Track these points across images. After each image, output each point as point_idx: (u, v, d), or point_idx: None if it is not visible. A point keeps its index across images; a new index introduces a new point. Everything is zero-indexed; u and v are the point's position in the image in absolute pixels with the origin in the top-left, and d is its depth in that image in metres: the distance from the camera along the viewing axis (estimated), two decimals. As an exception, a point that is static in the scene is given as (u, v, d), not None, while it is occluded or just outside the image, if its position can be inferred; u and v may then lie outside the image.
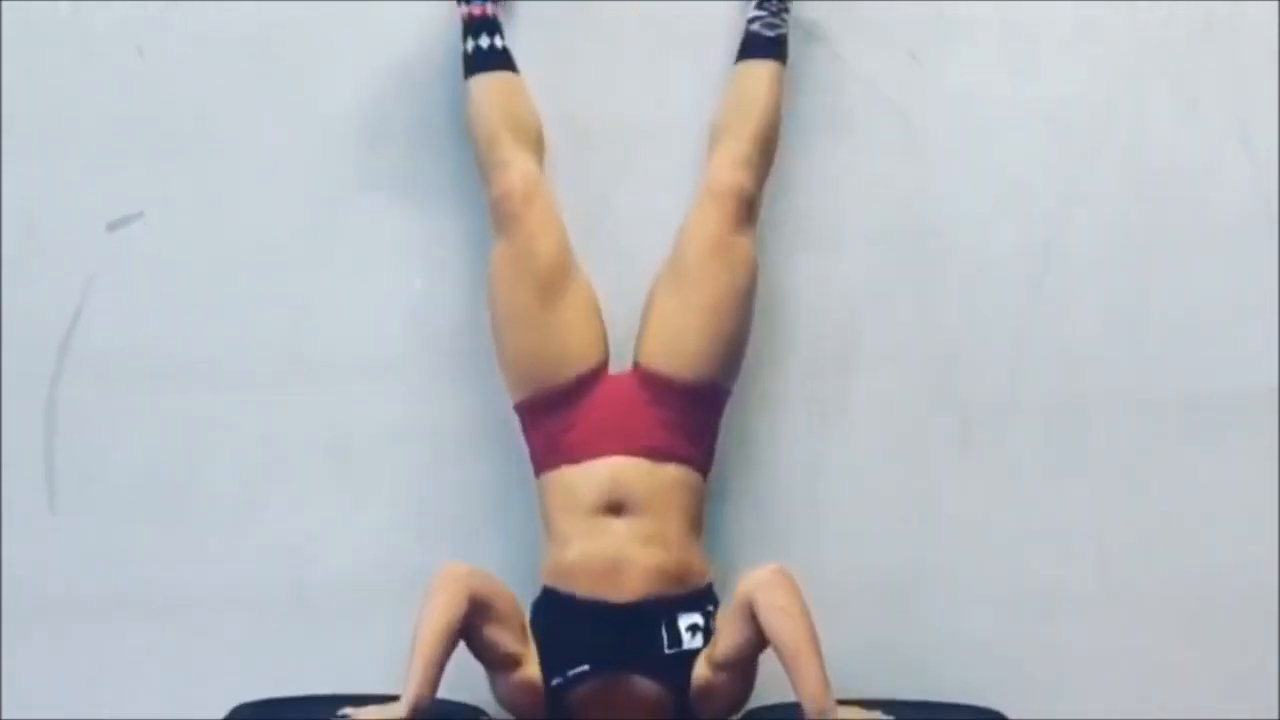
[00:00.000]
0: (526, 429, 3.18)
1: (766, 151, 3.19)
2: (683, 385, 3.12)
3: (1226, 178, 3.34)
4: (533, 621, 3.09)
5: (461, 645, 2.96)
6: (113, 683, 3.31)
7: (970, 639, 3.31)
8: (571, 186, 3.25)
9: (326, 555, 3.32)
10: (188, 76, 3.33)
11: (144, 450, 3.32)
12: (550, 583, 3.10)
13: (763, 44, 3.22)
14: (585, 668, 3.05)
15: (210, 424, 3.32)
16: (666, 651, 3.05)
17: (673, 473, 3.10)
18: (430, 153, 3.31)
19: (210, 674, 3.30)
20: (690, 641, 3.06)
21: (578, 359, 3.14)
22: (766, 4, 3.22)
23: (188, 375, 3.31)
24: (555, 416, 3.12)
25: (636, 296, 3.19)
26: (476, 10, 3.20)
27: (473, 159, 3.19)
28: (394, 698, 2.94)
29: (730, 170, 3.16)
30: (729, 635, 3.01)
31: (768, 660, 2.97)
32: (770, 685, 3.09)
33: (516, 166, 3.15)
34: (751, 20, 3.22)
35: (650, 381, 3.13)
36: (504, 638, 3.02)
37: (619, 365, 3.18)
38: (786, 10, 3.23)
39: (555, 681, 3.05)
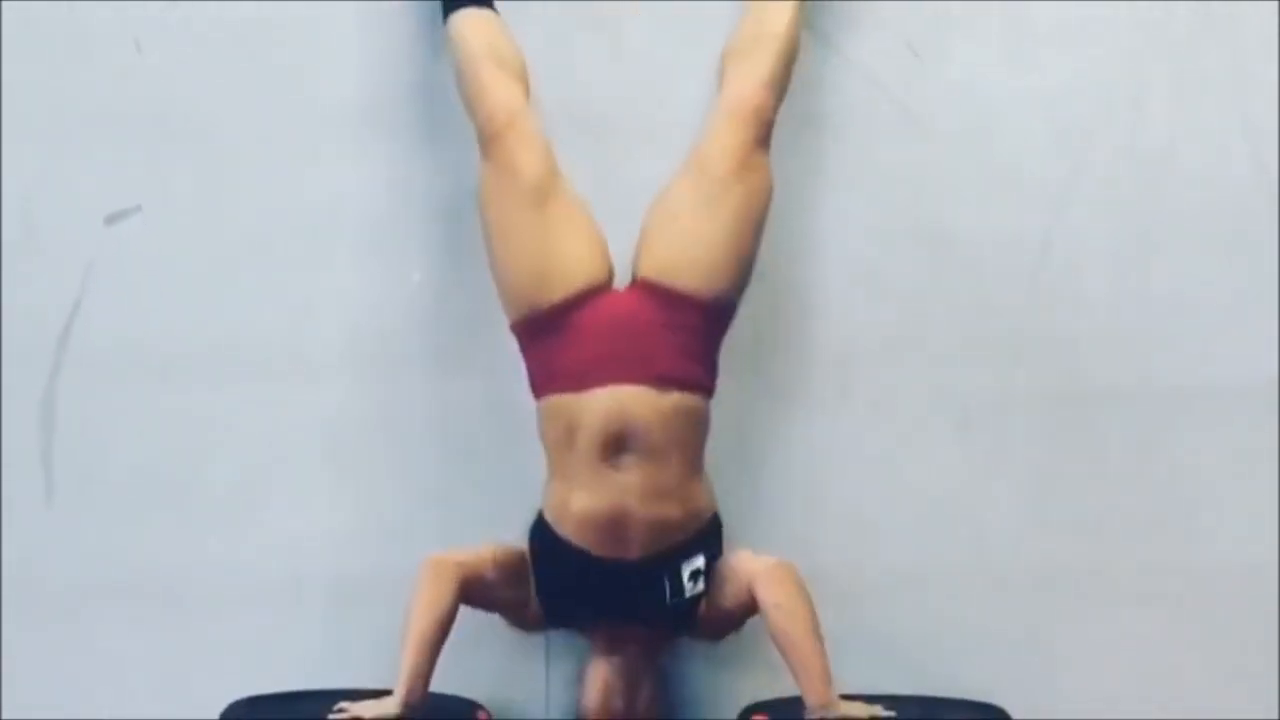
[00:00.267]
0: (524, 350, 3.12)
1: (785, 79, 3.16)
2: (700, 301, 3.06)
3: (1227, 168, 3.33)
4: (531, 548, 3.08)
5: (458, 632, 2.98)
6: (111, 677, 3.31)
7: (970, 633, 3.30)
8: (572, 179, 3.23)
9: (324, 549, 3.31)
10: (185, 71, 3.32)
11: (142, 444, 3.31)
12: (554, 524, 3.06)
13: None
14: (585, 617, 3.10)
15: (208, 418, 3.31)
16: (668, 601, 3.05)
17: (678, 401, 3.03)
18: (429, 148, 3.30)
19: (208, 668, 3.29)
20: (692, 589, 3.05)
21: (572, 274, 3.07)
22: None
23: (186, 369, 3.31)
24: (552, 337, 3.06)
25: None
26: None
27: (473, 158, 3.15)
28: (389, 692, 2.96)
29: (754, 89, 3.12)
30: (726, 597, 3.04)
31: (771, 656, 2.98)
32: (771, 681, 3.10)
33: (498, 91, 3.11)
34: None
35: (664, 298, 3.06)
36: (504, 594, 3.07)
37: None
38: None
39: (554, 620, 3.10)
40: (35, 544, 3.31)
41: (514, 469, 3.22)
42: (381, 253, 3.32)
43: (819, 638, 2.94)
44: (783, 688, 3.02)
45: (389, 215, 3.32)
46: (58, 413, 3.31)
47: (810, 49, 3.27)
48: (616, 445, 3.01)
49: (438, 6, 3.22)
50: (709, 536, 3.09)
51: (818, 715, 2.92)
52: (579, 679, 3.17)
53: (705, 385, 3.08)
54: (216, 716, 3.10)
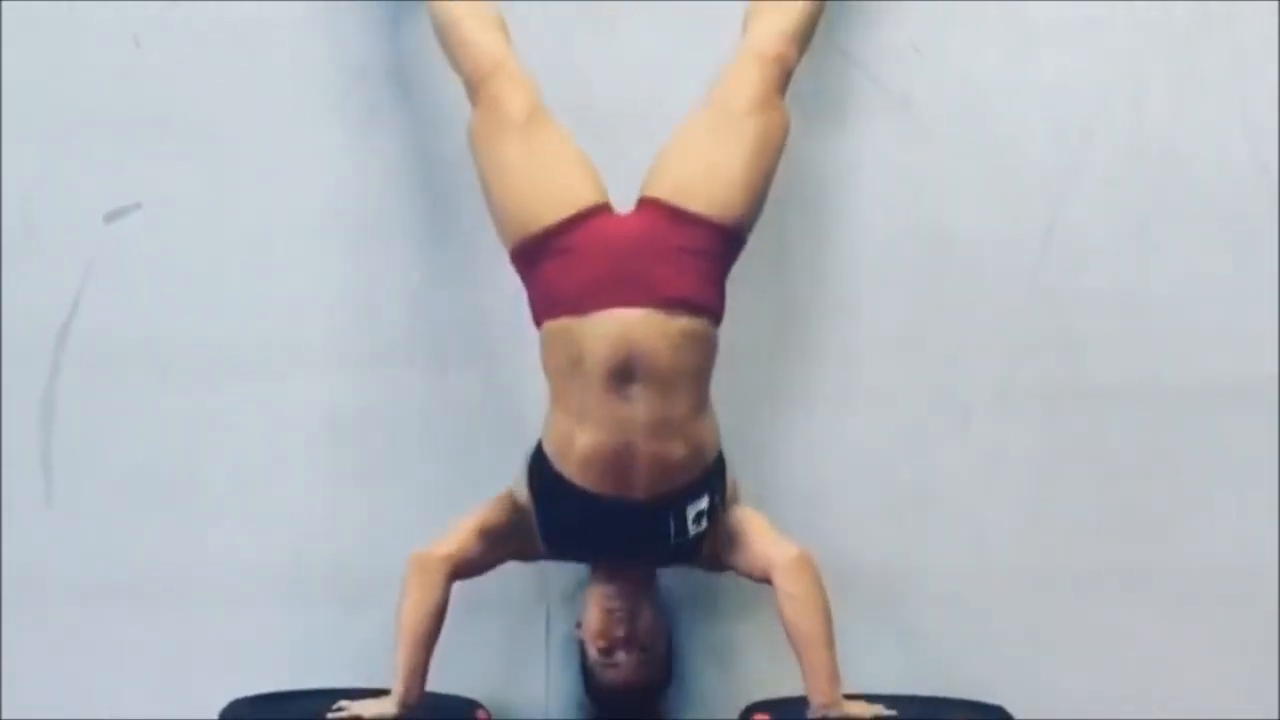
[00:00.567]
0: (526, 279, 3.06)
1: (808, 34, 3.16)
2: (711, 223, 3.01)
3: (1227, 166, 3.32)
4: (531, 483, 3.05)
5: (458, 632, 3.00)
6: (111, 674, 3.30)
7: (970, 631, 3.29)
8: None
9: (324, 546, 3.31)
10: (185, 68, 3.32)
11: (142, 444, 3.31)
12: (555, 460, 3.02)
13: None
14: (587, 556, 3.10)
15: (208, 416, 3.31)
16: (672, 542, 3.03)
17: (685, 326, 2.96)
18: (430, 146, 3.30)
19: (208, 664, 3.29)
20: (695, 530, 3.03)
21: (568, 197, 3.02)
22: None
23: (186, 367, 3.31)
24: (551, 261, 3.00)
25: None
26: None
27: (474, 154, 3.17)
28: (389, 691, 2.97)
29: (779, 38, 3.12)
30: (735, 560, 3.06)
31: (772, 656, 2.98)
32: (772, 680, 3.09)
33: (481, 40, 3.11)
34: None
35: (673, 218, 3.00)
36: (500, 554, 3.07)
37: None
38: None
39: (555, 554, 3.09)
40: (35, 544, 3.31)
41: (515, 465, 3.20)
42: (381, 251, 3.31)
43: (831, 636, 2.94)
44: (784, 688, 3.02)
45: (389, 214, 3.31)
46: (58, 412, 3.31)
47: (814, 46, 3.27)
48: (623, 374, 2.94)
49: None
50: (713, 476, 3.05)
51: (821, 714, 2.92)
52: (578, 611, 3.15)
53: (714, 311, 3.02)
54: (216, 716, 3.09)
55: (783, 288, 3.32)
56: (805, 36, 3.16)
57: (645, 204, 3.04)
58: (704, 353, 3.01)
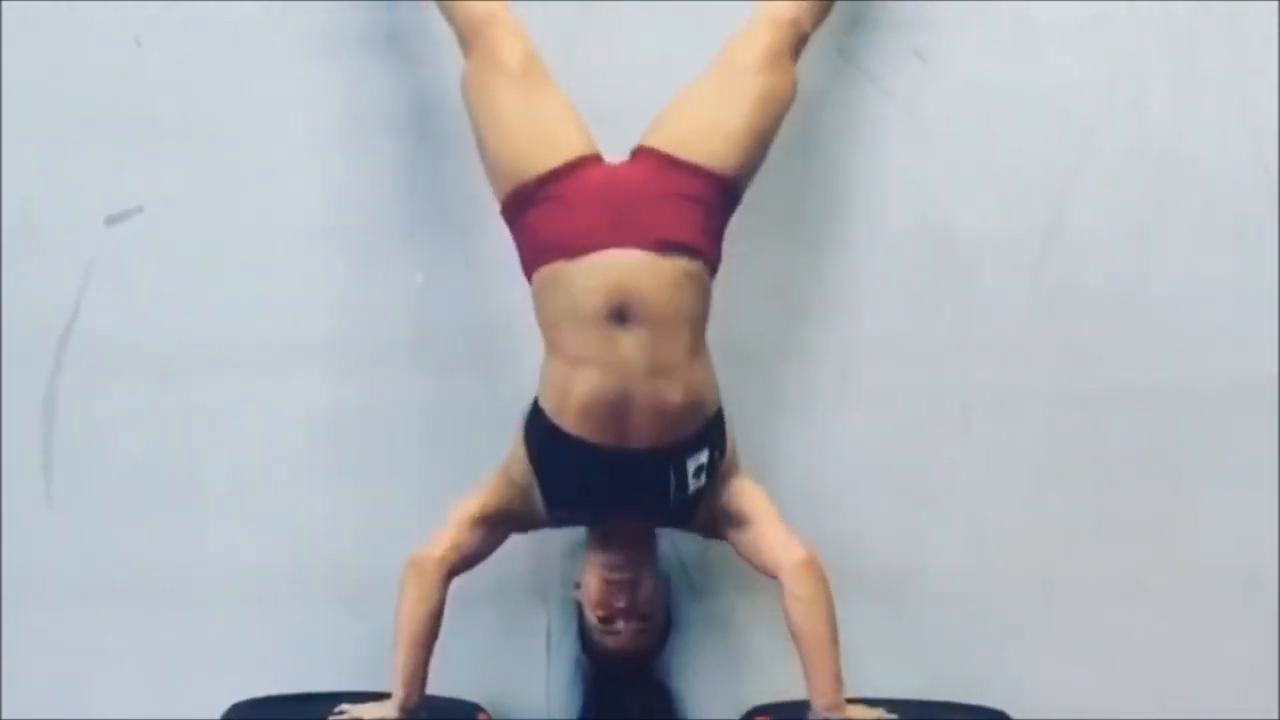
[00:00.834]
0: (516, 231, 3.03)
1: (825, 8, 3.16)
2: (706, 172, 2.99)
3: (1229, 167, 3.32)
4: (528, 445, 3.03)
5: (458, 633, 3.01)
6: (111, 674, 3.31)
7: (970, 632, 3.30)
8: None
9: (324, 547, 3.31)
10: (186, 69, 3.31)
11: (142, 444, 3.31)
12: (552, 415, 3.00)
13: None
14: (588, 512, 3.07)
15: (208, 416, 3.31)
16: (672, 496, 3.02)
17: (680, 267, 2.94)
18: (432, 146, 3.30)
19: (208, 664, 3.29)
20: (695, 483, 3.02)
21: (562, 145, 3.01)
22: None
23: (186, 367, 3.30)
24: (544, 207, 2.98)
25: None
26: None
27: (474, 160, 3.14)
28: (390, 694, 2.97)
29: (793, 6, 3.11)
30: (739, 545, 3.04)
31: (773, 659, 2.98)
32: (772, 683, 3.10)
33: None
34: None
35: (667, 165, 2.99)
36: (500, 535, 3.06)
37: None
38: None
39: (556, 512, 3.05)
40: (35, 544, 3.31)
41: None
42: (382, 252, 3.31)
43: (836, 640, 2.95)
44: (786, 691, 3.03)
45: (390, 215, 3.31)
46: (58, 412, 3.31)
47: (812, 49, 3.27)
48: (618, 316, 2.92)
49: (440, 8, 3.22)
50: (713, 430, 3.04)
51: (824, 716, 2.93)
52: (578, 580, 3.15)
53: (709, 257, 3.00)
54: (216, 716, 3.09)
55: (784, 288, 3.32)
56: (822, 8, 3.16)
57: (641, 153, 3.03)
58: (699, 296, 2.99)
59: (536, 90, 3.05)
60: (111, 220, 3.31)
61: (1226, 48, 3.34)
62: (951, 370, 3.33)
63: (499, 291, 3.22)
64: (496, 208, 3.07)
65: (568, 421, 2.98)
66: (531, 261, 3.01)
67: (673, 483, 3.00)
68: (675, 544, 3.25)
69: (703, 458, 3.01)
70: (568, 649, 3.27)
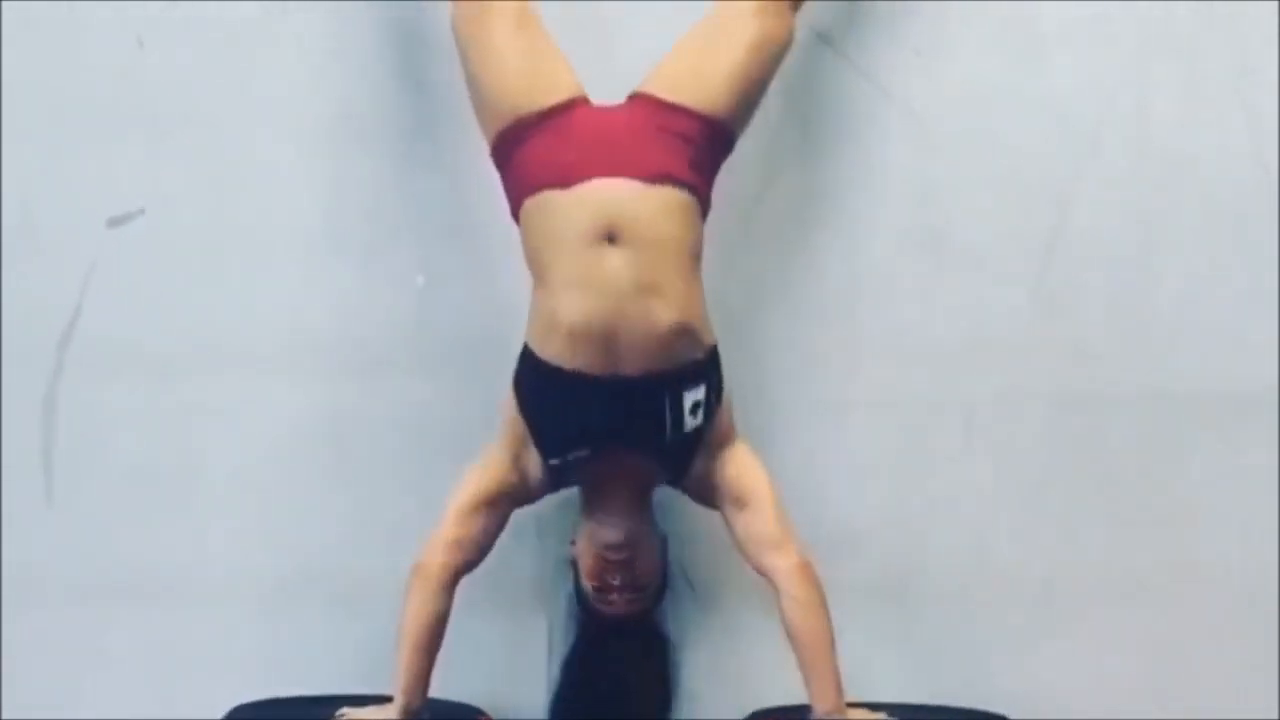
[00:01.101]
0: (507, 166, 3.03)
1: None
2: (696, 114, 2.99)
3: (1232, 171, 3.32)
4: (517, 389, 3.02)
5: (457, 634, 2.99)
6: (111, 674, 3.31)
7: (971, 636, 3.30)
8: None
9: (325, 547, 3.31)
10: (188, 70, 3.31)
11: (142, 445, 3.31)
12: (541, 351, 2.98)
13: None
14: (585, 452, 3.01)
15: (209, 419, 3.31)
16: (669, 434, 2.99)
17: (668, 194, 2.94)
18: (432, 147, 3.29)
19: (207, 664, 3.30)
20: (692, 423, 2.99)
21: (558, 85, 3.01)
22: None
23: (187, 368, 3.30)
24: (537, 141, 2.98)
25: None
26: None
27: (473, 160, 3.15)
28: (391, 698, 2.97)
29: None
30: (730, 514, 3.02)
31: (775, 663, 2.98)
32: (771, 686, 3.10)
33: None
34: None
35: (659, 107, 3.00)
36: (504, 514, 3.04)
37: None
38: None
39: (554, 462, 3.02)
40: (35, 544, 3.31)
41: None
42: (382, 253, 3.31)
43: (833, 644, 2.95)
44: (788, 695, 3.03)
45: (390, 217, 3.31)
46: (59, 412, 3.31)
47: (813, 51, 3.27)
48: (606, 237, 2.92)
49: (441, 8, 3.21)
50: (709, 368, 3.02)
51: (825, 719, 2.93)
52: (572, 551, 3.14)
53: (700, 192, 2.99)
54: (215, 717, 3.11)
55: (784, 288, 3.32)
56: None
57: (634, 98, 3.04)
58: (690, 225, 2.98)
59: (529, 29, 3.05)
60: (113, 222, 3.30)
61: (1229, 50, 3.33)
62: (952, 372, 3.33)
63: (499, 294, 3.22)
64: (496, 208, 3.07)
65: (556, 352, 2.96)
66: (519, 195, 3.00)
67: (669, 417, 2.98)
68: (676, 545, 3.24)
69: (699, 394, 2.99)
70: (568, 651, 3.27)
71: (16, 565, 3.30)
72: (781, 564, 2.98)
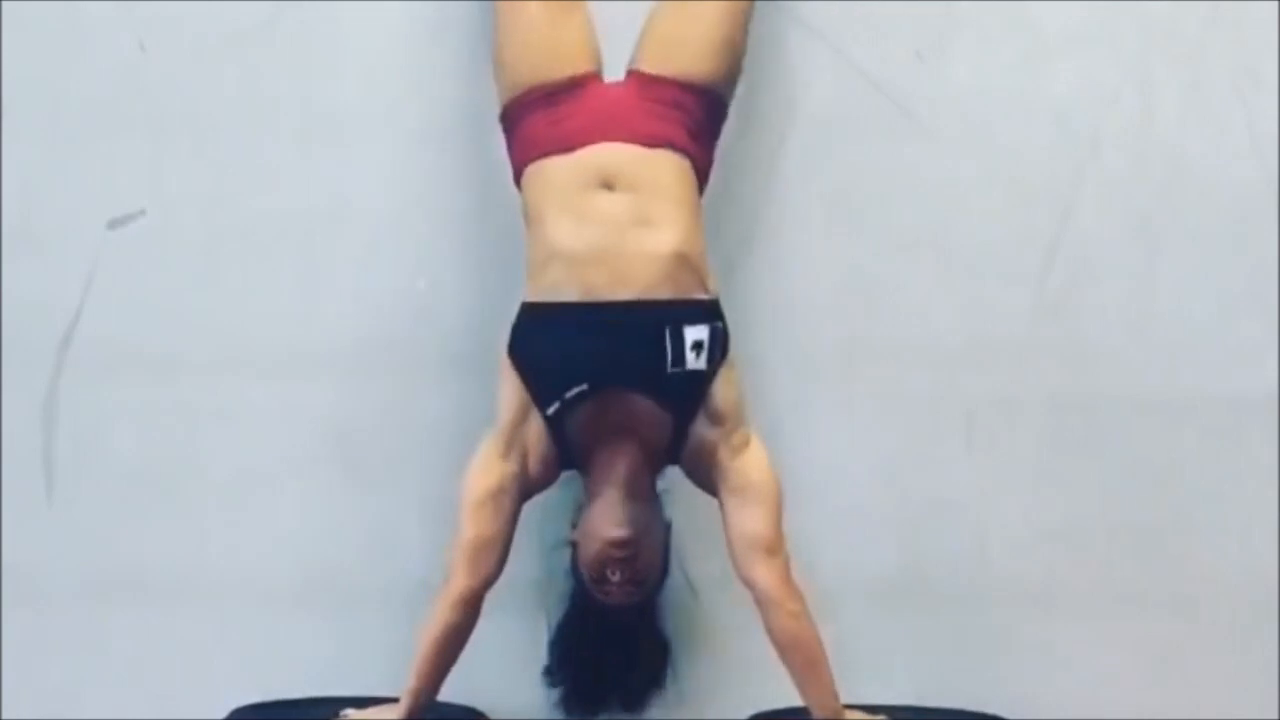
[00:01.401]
0: (514, 130, 3.10)
1: None
2: (687, 84, 3.08)
3: (1234, 174, 3.32)
4: (514, 351, 3.00)
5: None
6: (111, 674, 3.31)
7: (971, 639, 3.30)
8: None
9: (325, 549, 3.31)
10: (190, 72, 3.31)
11: (143, 445, 3.30)
12: (535, 296, 3.00)
13: None
14: (584, 387, 2.97)
15: (209, 418, 3.30)
16: (669, 370, 2.97)
17: (666, 154, 3.04)
18: (433, 149, 3.29)
19: (208, 664, 3.29)
20: (694, 362, 2.97)
21: (581, 56, 3.11)
22: None
23: (187, 370, 3.30)
24: (548, 110, 3.06)
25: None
26: None
27: (474, 160, 3.17)
28: (396, 699, 2.98)
29: None
30: (728, 506, 2.99)
31: (772, 663, 2.98)
32: (771, 686, 3.10)
33: None
34: None
35: (653, 83, 3.09)
36: (518, 502, 3.02)
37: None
38: None
39: (552, 409, 2.99)
40: (35, 544, 3.30)
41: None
42: (384, 254, 3.31)
43: (823, 649, 2.95)
44: (789, 697, 3.02)
45: (392, 216, 3.31)
46: (59, 413, 3.30)
47: (813, 51, 3.27)
48: (603, 184, 3.01)
49: (441, 9, 3.22)
50: (714, 315, 3.01)
51: (826, 722, 2.94)
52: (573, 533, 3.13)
53: (697, 158, 3.09)
54: (215, 717, 3.11)
55: (784, 289, 3.32)
56: None
57: (630, 75, 3.12)
58: (687, 182, 3.06)
59: (567, 7, 3.13)
60: (114, 224, 3.30)
61: (1230, 53, 3.33)
62: (953, 373, 3.33)
63: (502, 297, 3.20)
64: (499, 212, 3.12)
65: (553, 282, 2.98)
66: (523, 160, 3.08)
67: (669, 350, 2.96)
68: (677, 546, 3.24)
69: (702, 334, 2.97)
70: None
71: (16, 565, 3.30)
72: (772, 575, 2.96)
